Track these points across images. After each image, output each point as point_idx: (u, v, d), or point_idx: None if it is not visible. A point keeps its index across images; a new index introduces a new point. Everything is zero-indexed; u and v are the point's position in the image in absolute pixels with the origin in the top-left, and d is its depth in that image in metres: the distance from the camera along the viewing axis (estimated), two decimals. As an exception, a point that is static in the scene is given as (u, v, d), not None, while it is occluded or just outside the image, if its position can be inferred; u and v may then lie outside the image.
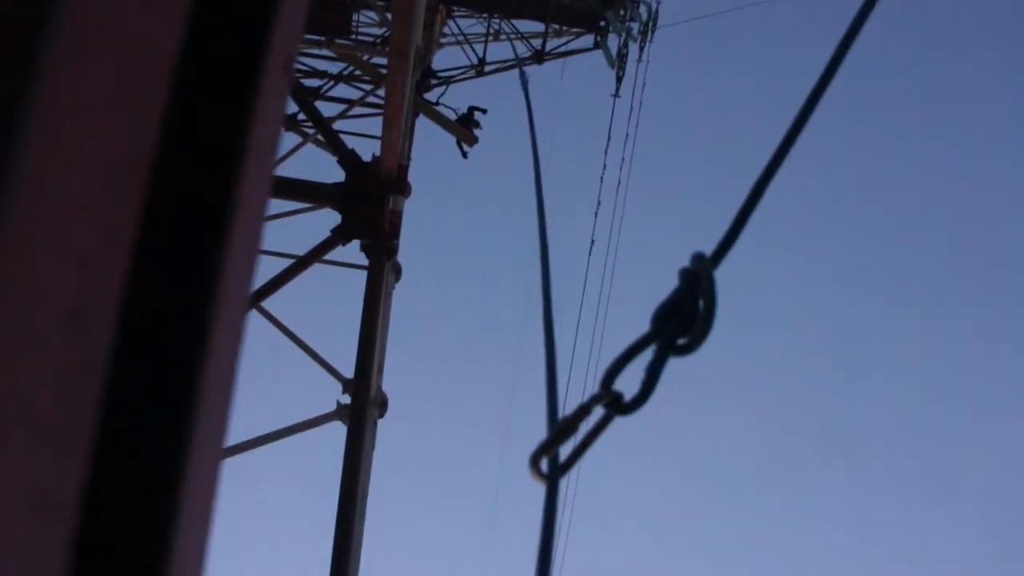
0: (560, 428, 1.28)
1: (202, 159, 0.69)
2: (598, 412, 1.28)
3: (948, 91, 31.57)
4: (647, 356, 1.27)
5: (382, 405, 8.33)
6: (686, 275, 1.29)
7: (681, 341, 1.26)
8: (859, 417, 31.06)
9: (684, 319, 1.26)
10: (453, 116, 12.25)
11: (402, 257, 8.67)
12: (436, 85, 13.03)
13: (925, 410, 30.70)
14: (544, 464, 1.32)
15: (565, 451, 1.34)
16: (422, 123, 11.52)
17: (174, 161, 0.66)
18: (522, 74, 8.00)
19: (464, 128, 12.17)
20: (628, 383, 1.28)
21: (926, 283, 32.59)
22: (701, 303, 1.26)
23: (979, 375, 32.07)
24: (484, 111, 12.66)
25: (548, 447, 1.30)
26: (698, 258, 1.32)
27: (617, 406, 1.26)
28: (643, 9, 15.70)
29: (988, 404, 30.26)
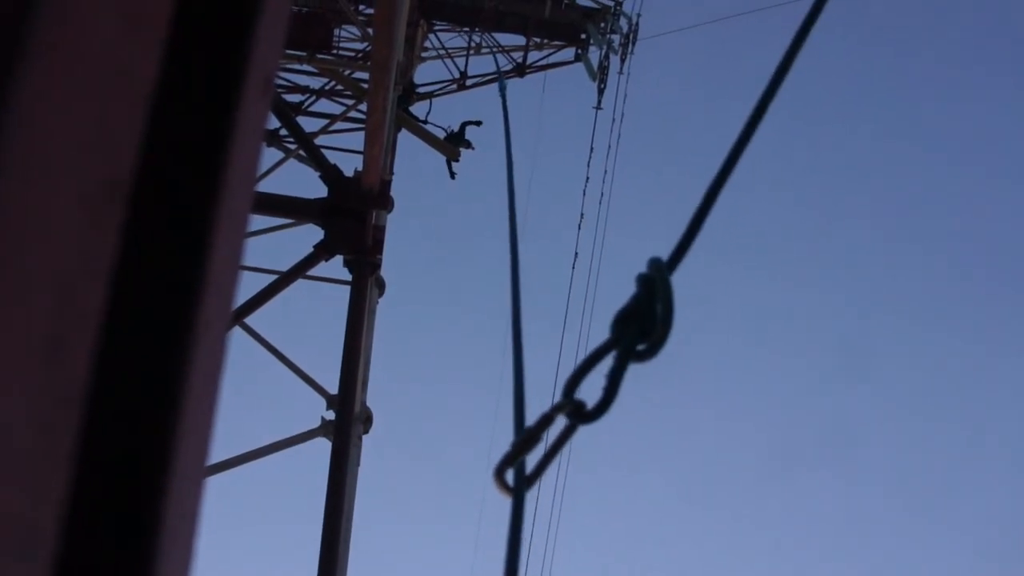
0: (522, 439, 1.26)
1: (183, 175, 0.68)
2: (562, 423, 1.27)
3: (955, 88, 31.80)
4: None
5: (367, 421, 8.31)
6: (643, 281, 1.29)
7: (641, 347, 1.25)
8: (856, 418, 31.18)
9: (643, 325, 1.26)
10: (442, 134, 12.17)
11: (385, 272, 8.66)
12: (419, 99, 13.01)
13: (923, 410, 30.86)
14: (510, 476, 1.31)
15: (532, 463, 1.33)
16: (404, 137, 11.52)
17: (155, 178, 0.65)
18: (501, 83, 8.05)
19: (448, 144, 12.10)
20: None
21: (924, 283, 32.80)
22: (659, 308, 1.26)
23: (978, 375, 32.27)
24: (479, 123, 12.57)
25: (511, 459, 1.29)
26: (655, 263, 1.32)
27: (580, 415, 1.25)
28: (624, 22, 15.78)
29: (987, 404, 30.44)
